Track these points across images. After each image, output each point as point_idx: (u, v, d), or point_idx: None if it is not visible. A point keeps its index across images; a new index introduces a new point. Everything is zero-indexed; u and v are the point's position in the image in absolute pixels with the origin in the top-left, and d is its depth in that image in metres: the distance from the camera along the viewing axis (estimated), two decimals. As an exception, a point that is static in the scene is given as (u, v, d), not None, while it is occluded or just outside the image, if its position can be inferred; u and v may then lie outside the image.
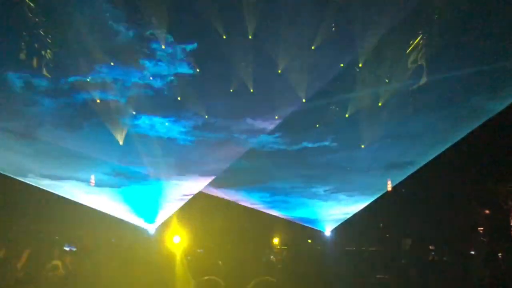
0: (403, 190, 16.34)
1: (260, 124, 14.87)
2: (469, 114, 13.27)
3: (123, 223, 15.66)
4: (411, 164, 15.15)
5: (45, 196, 14.68)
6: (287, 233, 18.85)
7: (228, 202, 18.24)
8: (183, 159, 15.54)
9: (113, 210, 15.87)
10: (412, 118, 13.96)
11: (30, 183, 14.59)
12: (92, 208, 15.36)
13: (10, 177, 13.91)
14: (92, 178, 15.39)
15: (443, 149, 14.20)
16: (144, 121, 14.43)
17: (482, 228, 16.92)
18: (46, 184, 14.89)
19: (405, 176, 15.38)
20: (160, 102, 13.82)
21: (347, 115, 14.23)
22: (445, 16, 10.75)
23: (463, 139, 13.60)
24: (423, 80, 12.13)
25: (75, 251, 10.99)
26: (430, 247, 17.25)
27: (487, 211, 17.06)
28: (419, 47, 11.53)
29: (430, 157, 14.64)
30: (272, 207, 18.46)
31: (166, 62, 12.82)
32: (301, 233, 18.75)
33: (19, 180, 14.30)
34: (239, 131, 15.21)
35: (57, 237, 13.40)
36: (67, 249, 11.20)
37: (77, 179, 15.55)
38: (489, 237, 16.11)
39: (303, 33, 11.75)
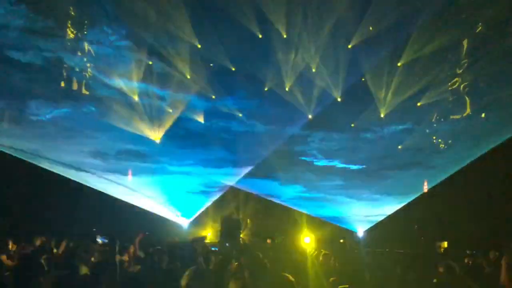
0: (440, 191, 15.92)
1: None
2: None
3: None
4: (449, 166, 14.76)
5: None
6: (321, 231, 18.81)
7: (256, 197, 18.29)
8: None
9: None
10: (453, 120, 13.64)
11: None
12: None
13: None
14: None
15: (484, 151, 13.76)
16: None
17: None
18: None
19: (443, 178, 14.99)
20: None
21: (382, 115, 14.07)
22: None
23: (504, 141, 13.13)
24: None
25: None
26: (467, 251, 16.81)
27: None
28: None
29: (470, 159, 14.22)
30: (305, 204, 18.45)
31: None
32: (334, 232, 18.65)
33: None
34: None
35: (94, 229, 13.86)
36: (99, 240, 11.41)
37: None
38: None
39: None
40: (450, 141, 14.04)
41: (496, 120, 13.27)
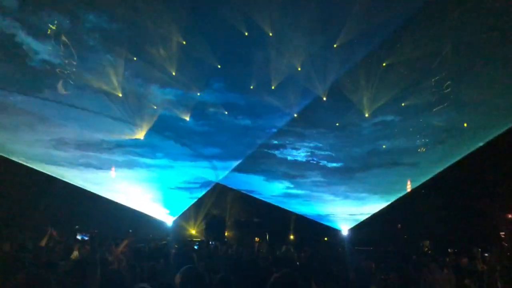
0: (423, 191, 16.10)
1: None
2: (496, 118, 12.94)
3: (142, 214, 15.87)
4: (433, 166, 14.89)
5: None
6: (305, 229, 18.83)
7: (244, 195, 18.25)
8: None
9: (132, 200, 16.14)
10: (436, 117, 13.69)
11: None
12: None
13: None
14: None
15: (466, 153, 13.90)
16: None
17: (503, 233, 16.59)
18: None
19: (427, 178, 15.11)
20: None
21: (366, 115, 14.12)
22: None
23: (485, 143, 13.29)
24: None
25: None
26: (449, 250, 17.06)
27: (509, 215, 16.72)
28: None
29: (453, 160, 14.36)
30: (290, 201, 18.43)
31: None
32: (318, 230, 18.71)
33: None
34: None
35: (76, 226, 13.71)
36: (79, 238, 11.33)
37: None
38: (510, 241, 15.78)
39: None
40: (432, 142, 14.17)
41: (478, 121, 13.43)
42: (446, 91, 12.06)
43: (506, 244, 16.24)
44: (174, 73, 13.09)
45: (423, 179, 15.21)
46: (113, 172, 15.31)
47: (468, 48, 11.06)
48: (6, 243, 8.10)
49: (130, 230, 12.94)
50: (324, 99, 14.21)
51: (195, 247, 11.86)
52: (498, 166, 15.38)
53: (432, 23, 10.92)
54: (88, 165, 15.28)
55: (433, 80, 12.24)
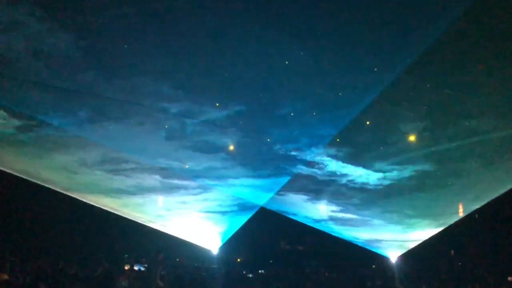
0: (476, 216, 15.38)
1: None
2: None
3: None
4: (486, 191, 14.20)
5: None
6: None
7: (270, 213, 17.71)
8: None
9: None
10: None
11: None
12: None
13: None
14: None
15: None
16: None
17: None
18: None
19: (482, 203, 14.40)
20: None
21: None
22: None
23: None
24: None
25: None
26: (509, 278, 16.09)
27: None
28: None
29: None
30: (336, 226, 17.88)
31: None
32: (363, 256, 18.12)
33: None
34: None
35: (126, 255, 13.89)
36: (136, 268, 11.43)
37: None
38: None
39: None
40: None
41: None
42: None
43: None
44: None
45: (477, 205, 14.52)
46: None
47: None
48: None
49: (162, 254, 12.96)
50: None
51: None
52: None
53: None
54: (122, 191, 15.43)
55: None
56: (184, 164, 13.79)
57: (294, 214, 17.47)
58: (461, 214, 15.77)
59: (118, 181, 14.75)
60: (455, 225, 15.87)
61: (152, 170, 14.04)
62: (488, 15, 8.87)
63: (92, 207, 15.00)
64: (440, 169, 13.87)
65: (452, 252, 17.53)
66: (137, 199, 15.68)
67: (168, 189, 15.23)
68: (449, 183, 14.45)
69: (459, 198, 15.07)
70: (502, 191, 13.89)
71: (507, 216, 15.63)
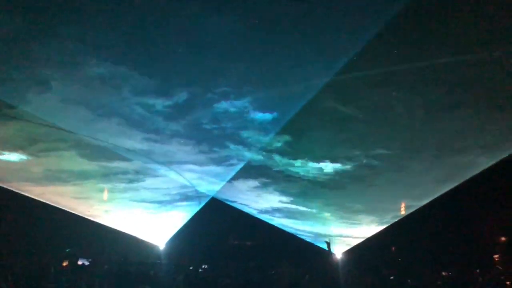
0: (419, 215, 16.04)
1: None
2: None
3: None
4: (428, 190, 14.86)
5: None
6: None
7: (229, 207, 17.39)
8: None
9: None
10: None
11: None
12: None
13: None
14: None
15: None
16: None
17: (497, 256, 16.63)
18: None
19: (423, 202, 15.06)
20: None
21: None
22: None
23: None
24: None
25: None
26: (443, 273, 17.03)
27: (503, 238, 16.83)
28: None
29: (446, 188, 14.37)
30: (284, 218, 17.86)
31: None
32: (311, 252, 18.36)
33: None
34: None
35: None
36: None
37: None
38: (505, 264, 15.84)
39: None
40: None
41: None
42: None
43: (500, 268, 16.30)
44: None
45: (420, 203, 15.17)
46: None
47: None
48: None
49: (67, 250, 12.35)
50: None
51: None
52: (492, 192, 15.57)
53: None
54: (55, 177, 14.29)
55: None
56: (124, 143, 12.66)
57: (244, 205, 17.24)
58: (403, 212, 16.43)
59: (49, 164, 13.62)
60: (397, 223, 16.52)
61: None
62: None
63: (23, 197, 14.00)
64: (385, 166, 14.29)
65: (393, 248, 18.29)
66: (73, 187, 14.75)
67: (108, 175, 14.23)
68: (394, 180, 14.95)
69: (403, 196, 15.66)
70: (442, 191, 14.64)
71: (445, 216, 16.50)
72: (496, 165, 13.05)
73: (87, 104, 11.03)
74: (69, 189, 14.79)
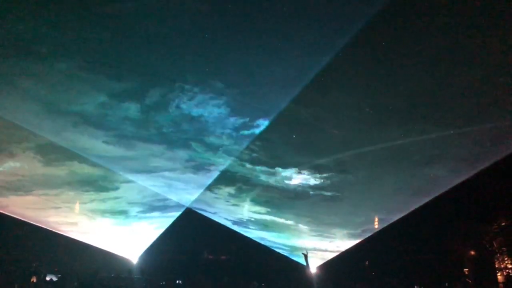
0: (391, 230, 16.24)
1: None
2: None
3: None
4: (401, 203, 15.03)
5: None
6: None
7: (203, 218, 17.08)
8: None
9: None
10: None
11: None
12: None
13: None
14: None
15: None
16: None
17: (467, 269, 17.01)
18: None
19: (395, 218, 15.21)
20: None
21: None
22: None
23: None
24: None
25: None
26: (416, 287, 17.27)
27: (472, 252, 17.21)
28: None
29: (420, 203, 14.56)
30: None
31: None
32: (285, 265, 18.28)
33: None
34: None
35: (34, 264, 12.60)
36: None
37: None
38: (474, 278, 16.21)
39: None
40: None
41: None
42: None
43: (470, 281, 16.68)
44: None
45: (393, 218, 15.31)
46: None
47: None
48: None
49: (34, 264, 11.91)
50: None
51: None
52: (462, 206, 15.94)
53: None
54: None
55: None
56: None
57: (219, 215, 16.94)
58: (376, 226, 16.58)
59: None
60: (370, 237, 16.65)
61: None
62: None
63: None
64: (358, 179, 14.36)
65: (367, 262, 18.43)
66: (37, 198, 14.05)
67: (74, 183, 13.34)
68: (367, 193, 15.03)
69: (377, 210, 15.78)
70: (415, 206, 14.84)
71: (416, 230, 16.78)
72: (468, 180, 13.38)
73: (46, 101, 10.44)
74: (33, 199, 14.08)
